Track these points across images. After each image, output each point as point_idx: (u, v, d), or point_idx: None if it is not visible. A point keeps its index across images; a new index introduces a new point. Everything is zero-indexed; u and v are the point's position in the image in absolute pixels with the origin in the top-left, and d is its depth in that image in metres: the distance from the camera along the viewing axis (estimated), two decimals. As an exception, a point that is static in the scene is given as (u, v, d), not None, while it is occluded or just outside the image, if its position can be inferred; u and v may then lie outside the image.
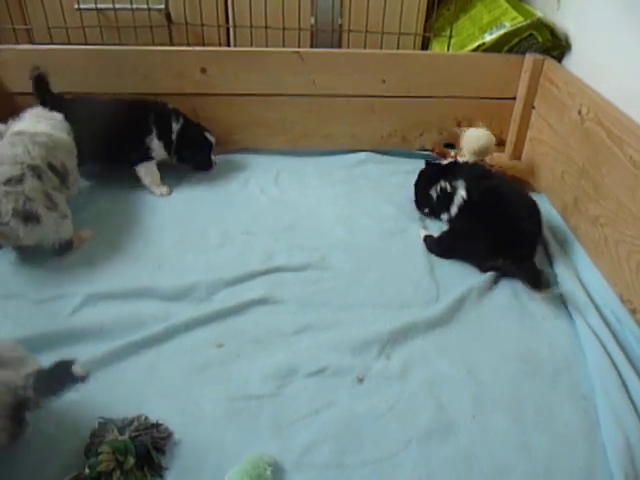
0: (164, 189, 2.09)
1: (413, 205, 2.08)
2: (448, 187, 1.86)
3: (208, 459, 1.17)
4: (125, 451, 1.09)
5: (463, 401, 1.32)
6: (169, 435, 1.19)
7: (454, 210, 1.84)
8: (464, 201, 1.80)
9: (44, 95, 1.96)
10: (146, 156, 2.07)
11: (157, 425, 1.19)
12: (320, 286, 1.68)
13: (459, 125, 2.29)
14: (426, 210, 2.02)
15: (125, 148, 2.05)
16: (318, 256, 1.78)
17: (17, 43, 2.24)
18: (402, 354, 1.45)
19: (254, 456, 1.12)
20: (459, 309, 1.60)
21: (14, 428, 1.07)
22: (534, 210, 1.76)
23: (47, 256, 1.74)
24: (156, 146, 2.06)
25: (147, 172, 2.08)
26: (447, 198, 1.86)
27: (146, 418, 1.21)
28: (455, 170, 1.90)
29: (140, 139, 2.04)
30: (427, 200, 1.98)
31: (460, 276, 1.73)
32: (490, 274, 1.71)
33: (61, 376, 1.14)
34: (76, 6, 2.23)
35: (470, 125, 2.20)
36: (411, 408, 1.30)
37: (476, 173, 1.87)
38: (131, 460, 1.09)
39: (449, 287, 1.68)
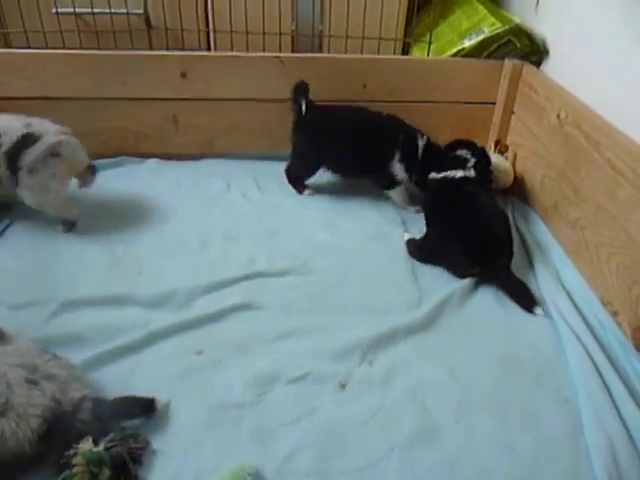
0: (417, 207, 2.10)
1: (395, 209, 2.08)
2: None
3: (187, 469, 1.14)
4: (100, 463, 1.05)
5: (446, 405, 1.31)
6: (146, 445, 1.16)
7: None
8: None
9: (302, 102, 2.05)
10: (394, 182, 2.08)
11: (134, 435, 1.16)
12: (302, 291, 1.66)
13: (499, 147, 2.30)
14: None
15: (370, 172, 2.13)
16: (300, 261, 1.77)
17: (-7, 47, 2.20)
18: (385, 360, 1.43)
19: (234, 465, 1.10)
20: (441, 313, 1.59)
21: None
22: (505, 219, 1.81)
23: (23, 261, 1.70)
24: (398, 170, 2.04)
25: (397, 193, 2.11)
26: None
27: (123, 428, 1.17)
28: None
29: (383, 165, 2.04)
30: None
31: (443, 280, 1.73)
32: (472, 280, 1.71)
33: (127, 409, 1.18)
34: (54, 10, 2.19)
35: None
36: (394, 414, 1.29)
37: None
38: (106, 472, 1.05)
39: (432, 291, 1.67)
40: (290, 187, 2.20)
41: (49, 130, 1.72)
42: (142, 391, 1.30)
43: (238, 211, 2.04)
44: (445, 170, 1.86)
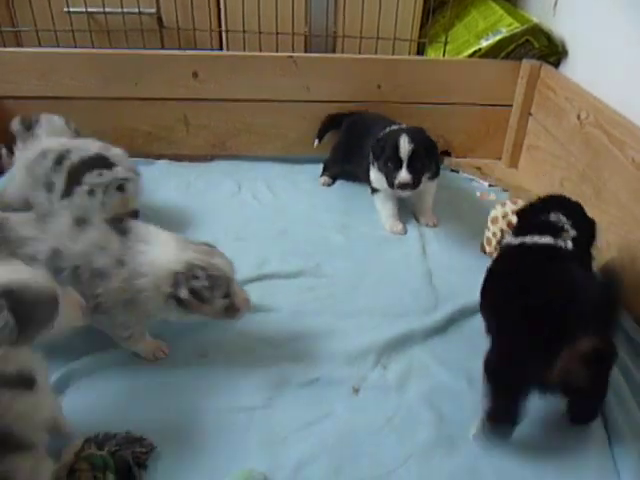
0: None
1: (409, 212, 2.03)
2: None
3: (193, 475, 1.10)
4: (104, 467, 1.01)
5: (464, 413, 1.25)
6: (152, 449, 1.12)
7: None
8: None
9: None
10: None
11: (140, 439, 1.12)
12: (314, 293, 1.61)
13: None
14: None
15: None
16: (313, 263, 1.72)
17: (5, 46, 2.19)
18: (400, 364, 1.38)
19: (243, 472, 1.05)
20: (459, 318, 1.54)
21: None
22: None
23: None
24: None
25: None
26: None
27: (128, 432, 1.13)
28: None
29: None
30: None
31: (460, 285, 1.66)
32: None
33: None
34: (65, 9, 2.19)
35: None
36: (410, 421, 1.23)
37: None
38: (110, 477, 1.01)
39: (449, 296, 1.62)
40: (301, 189, 2.16)
41: (123, 162, 1.71)
42: (148, 396, 1.27)
43: (249, 213, 2.01)
44: (527, 234, 1.31)
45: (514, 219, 1.51)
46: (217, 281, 1.21)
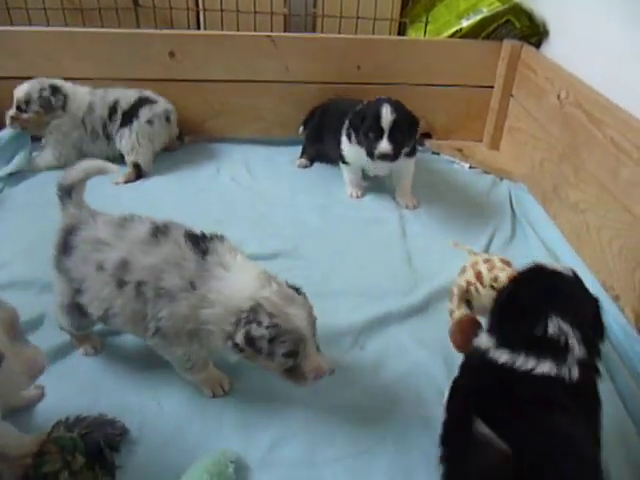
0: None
1: (390, 194, 2.02)
2: None
3: (167, 457, 1.09)
4: (73, 449, 0.99)
5: (441, 392, 1.24)
6: (125, 432, 1.10)
7: None
8: None
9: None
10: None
11: (112, 422, 1.10)
12: (292, 275, 1.55)
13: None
14: None
15: None
16: (291, 245, 1.71)
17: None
18: (377, 344, 1.38)
19: (216, 452, 1.04)
20: (436, 299, 1.53)
21: None
22: None
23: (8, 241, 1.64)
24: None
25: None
26: None
27: (100, 415, 1.11)
28: None
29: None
30: None
31: (439, 266, 1.66)
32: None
33: None
34: (37, -14, 2.12)
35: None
36: (387, 400, 1.23)
37: None
38: (80, 459, 0.99)
39: (427, 277, 1.61)
40: (281, 172, 2.13)
41: (159, 98, 2.07)
42: (122, 377, 1.26)
43: (228, 195, 1.98)
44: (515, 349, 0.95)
45: (484, 268, 1.29)
46: (282, 335, 1.01)
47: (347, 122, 1.88)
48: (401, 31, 2.40)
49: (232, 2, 2.18)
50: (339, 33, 2.24)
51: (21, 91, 1.96)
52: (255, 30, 2.22)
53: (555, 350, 0.92)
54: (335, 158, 2.02)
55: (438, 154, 2.30)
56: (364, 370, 1.29)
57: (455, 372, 1.16)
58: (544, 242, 1.76)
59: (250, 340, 1.01)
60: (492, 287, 1.25)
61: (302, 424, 1.15)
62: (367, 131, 1.76)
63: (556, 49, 2.01)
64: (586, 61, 1.79)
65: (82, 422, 1.07)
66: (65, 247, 1.17)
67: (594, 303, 1.01)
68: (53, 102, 1.96)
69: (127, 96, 2.03)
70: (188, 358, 1.14)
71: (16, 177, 2.00)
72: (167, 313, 1.07)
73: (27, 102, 1.95)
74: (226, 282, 1.06)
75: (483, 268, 1.29)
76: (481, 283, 1.28)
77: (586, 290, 1.02)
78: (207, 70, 2.14)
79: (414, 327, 1.43)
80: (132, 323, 1.13)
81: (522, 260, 1.65)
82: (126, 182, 2.00)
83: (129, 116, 2.01)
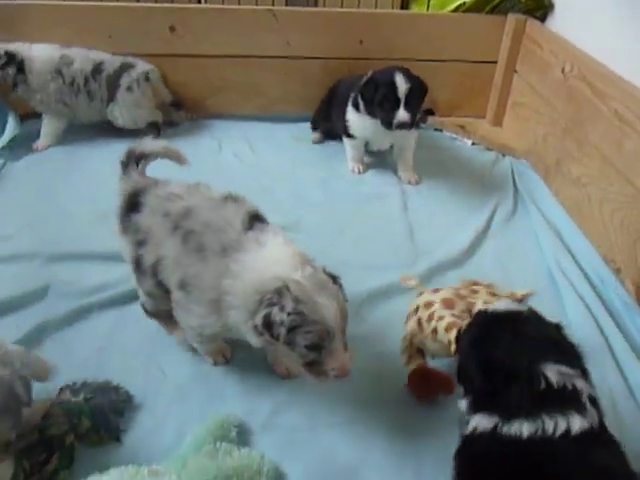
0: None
1: (392, 169, 2.02)
2: None
3: (169, 422, 1.11)
4: (79, 413, 1.01)
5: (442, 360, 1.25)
6: (129, 398, 1.12)
7: None
8: None
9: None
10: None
11: (116, 388, 1.12)
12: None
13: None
14: None
15: None
16: (293, 218, 1.71)
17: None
18: (379, 315, 1.38)
19: (219, 416, 1.05)
20: (438, 271, 1.55)
21: None
22: None
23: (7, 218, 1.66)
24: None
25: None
26: None
27: (105, 381, 1.12)
28: None
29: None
30: None
31: (441, 239, 1.67)
32: (471, 237, 1.66)
33: None
34: (35, -42, 2.09)
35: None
36: (388, 370, 1.24)
37: None
38: (86, 422, 1.01)
39: (429, 250, 1.62)
40: (283, 148, 2.13)
41: (138, 61, 2.06)
42: (126, 346, 1.27)
43: (230, 171, 1.98)
44: (534, 416, 0.81)
45: (424, 315, 1.16)
46: (306, 324, 0.93)
47: (355, 93, 1.86)
48: (404, 5, 2.37)
49: (233, -25, 2.15)
50: (341, 7, 2.22)
51: None
52: (256, 4, 2.19)
53: (570, 399, 0.81)
54: (341, 133, 2.01)
55: (441, 131, 2.29)
56: (366, 339, 1.30)
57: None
58: (546, 217, 1.76)
59: (268, 324, 0.94)
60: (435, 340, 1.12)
61: (303, 391, 1.17)
62: (382, 100, 1.75)
63: (561, 22, 1.99)
64: (591, 34, 1.77)
65: (87, 388, 1.08)
66: (133, 206, 1.16)
67: (560, 330, 0.92)
68: (10, 73, 1.94)
69: (112, 61, 2.04)
70: (201, 332, 1.10)
71: (17, 153, 2.00)
72: (195, 270, 1.04)
73: None
74: (255, 257, 1.01)
75: (423, 315, 1.17)
76: (424, 334, 1.15)
77: (546, 320, 0.93)
78: (208, 45, 2.12)
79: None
80: (170, 271, 1.10)
81: (525, 237, 1.69)
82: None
83: (113, 86, 2.02)
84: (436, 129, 2.30)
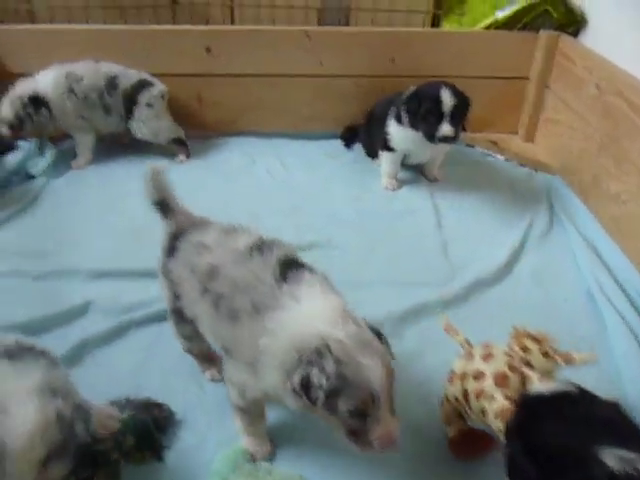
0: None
1: (424, 186, 2.02)
2: None
3: (210, 440, 1.12)
4: (124, 430, 1.02)
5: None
6: (171, 415, 1.13)
7: None
8: None
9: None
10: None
11: (159, 405, 1.13)
12: (327, 265, 1.57)
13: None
14: None
15: None
16: (325, 235, 1.72)
17: (19, 23, 2.19)
18: (416, 334, 1.38)
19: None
20: (475, 290, 1.53)
21: None
22: None
23: (49, 234, 1.72)
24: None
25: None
26: None
27: (147, 398, 1.14)
28: None
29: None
30: None
31: (476, 257, 1.66)
32: (507, 254, 1.65)
33: None
34: (78, -15, 2.18)
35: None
36: (426, 390, 1.23)
37: None
38: (130, 440, 1.02)
39: (464, 267, 1.61)
40: (315, 165, 2.15)
41: (154, 78, 2.10)
42: (165, 363, 1.29)
43: (263, 187, 2.00)
44: None
45: (471, 388, 1.02)
46: (347, 389, 0.84)
47: (396, 107, 1.89)
48: (435, 23, 2.38)
49: (267, -3, 2.20)
50: (373, 26, 2.25)
51: (8, 114, 1.96)
52: (289, 24, 2.23)
53: None
54: (379, 149, 2.02)
55: (472, 147, 2.29)
56: (403, 359, 1.29)
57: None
58: (583, 234, 1.74)
59: (306, 387, 0.85)
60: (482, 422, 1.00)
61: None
62: (426, 114, 1.77)
63: (594, 38, 1.98)
64: (625, 49, 1.75)
65: (130, 404, 1.10)
66: (170, 250, 1.13)
67: (617, 409, 0.83)
68: (44, 119, 1.99)
69: (126, 74, 2.05)
70: (243, 391, 1.01)
71: (58, 171, 2.06)
72: (231, 336, 0.99)
73: (21, 122, 1.98)
74: (291, 312, 0.93)
75: (471, 387, 1.02)
76: (470, 408, 1.03)
77: (600, 399, 0.85)
78: (242, 65, 2.16)
79: (453, 318, 1.40)
80: (211, 334, 1.07)
81: (562, 254, 1.67)
82: (187, 157, 2.15)
83: (130, 102, 2.04)
84: (468, 145, 2.30)
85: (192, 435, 1.13)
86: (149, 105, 2.06)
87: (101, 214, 1.83)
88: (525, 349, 1.09)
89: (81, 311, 1.43)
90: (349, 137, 2.25)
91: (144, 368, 1.28)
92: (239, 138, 2.29)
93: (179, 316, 1.14)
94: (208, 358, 1.25)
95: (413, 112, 1.82)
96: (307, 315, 0.92)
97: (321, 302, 0.95)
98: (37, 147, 2.09)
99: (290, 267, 1.00)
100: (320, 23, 2.33)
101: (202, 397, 1.21)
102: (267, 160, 2.16)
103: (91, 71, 2.02)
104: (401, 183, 2.04)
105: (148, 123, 2.08)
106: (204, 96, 2.22)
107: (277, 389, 0.92)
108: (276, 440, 1.11)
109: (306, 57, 2.16)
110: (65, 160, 2.11)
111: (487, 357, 1.06)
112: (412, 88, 1.87)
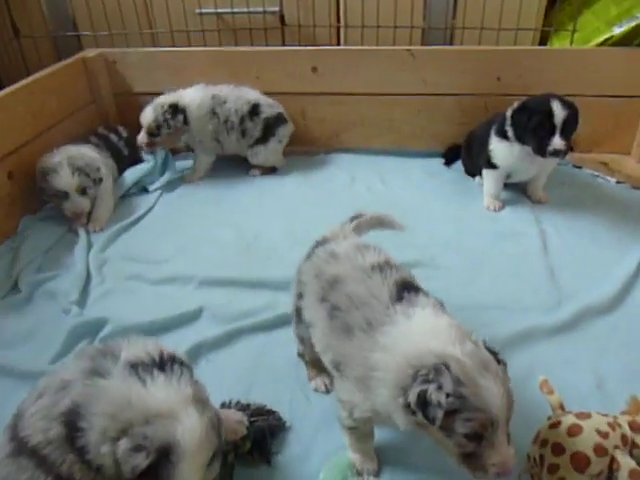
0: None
1: (528, 207, 1.97)
2: None
3: (317, 449, 1.15)
4: (244, 435, 1.08)
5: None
6: (283, 423, 1.18)
7: None
8: None
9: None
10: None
11: (273, 412, 1.18)
12: (430, 285, 1.58)
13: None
14: None
15: None
16: (428, 254, 1.72)
17: (143, 46, 2.39)
18: (522, 361, 1.34)
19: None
20: (584, 317, 1.47)
21: None
22: None
23: (162, 243, 1.84)
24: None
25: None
26: None
27: (261, 403, 1.20)
28: None
29: None
30: None
31: (584, 283, 1.59)
32: (620, 282, 1.57)
33: None
34: (197, 10, 2.34)
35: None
36: (535, 419, 1.19)
37: None
38: (247, 444, 1.08)
39: (573, 293, 1.55)
40: (415, 183, 2.16)
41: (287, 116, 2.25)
42: (273, 370, 1.34)
43: (363, 204, 2.01)
44: None
45: (549, 459, 0.94)
46: (465, 410, 0.82)
47: (499, 122, 1.88)
48: (542, 41, 2.32)
49: (373, 18, 2.25)
50: (479, 44, 2.23)
51: (149, 117, 2.10)
52: (394, 44, 2.27)
53: None
54: (482, 167, 2.00)
55: (580, 168, 2.20)
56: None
57: (608, 398, 1.10)
58: None
59: (423, 403, 0.83)
60: None
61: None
62: (536, 127, 1.74)
63: None
64: None
65: (249, 409, 1.15)
66: (309, 254, 1.20)
67: None
68: (179, 125, 2.11)
69: (267, 104, 2.18)
70: (351, 410, 1.00)
71: (172, 185, 2.22)
72: (343, 350, 1.00)
73: (158, 127, 2.11)
74: (405, 329, 0.93)
75: (548, 458, 0.93)
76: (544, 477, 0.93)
77: None
78: (347, 84, 2.23)
79: (561, 346, 1.38)
80: (320, 347, 1.10)
81: None
82: (262, 174, 2.26)
83: (269, 131, 2.18)
84: (575, 166, 2.21)
85: (298, 444, 1.17)
86: (280, 141, 2.22)
87: (211, 226, 1.94)
88: (637, 427, 0.96)
89: (194, 316, 1.52)
90: (451, 156, 2.25)
91: (253, 375, 1.34)
92: (341, 154, 2.36)
93: (298, 315, 1.19)
94: (317, 367, 1.28)
95: (521, 125, 1.78)
96: (422, 332, 0.91)
97: (435, 321, 0.95)
98: (162, 162, 2.25)
99: (406, 289, 1.02)
100: (424, 42, 2.34)
101: (308, 407, 1.25)
102: (367, 176, 2.20)
103: (234, 95, 2.15)
104: (504, 204, 2.00)
105: (269, 153, 2.21)
106: (308, 113, 2.30)
107: (388, 406, 0.91)
108: (382, 456, 1.12)
109: (410, 76, 2.18)
110: (179, 173, 2.27)
111: (574, 430, 0.96)
112: (516, 104, 1.84)
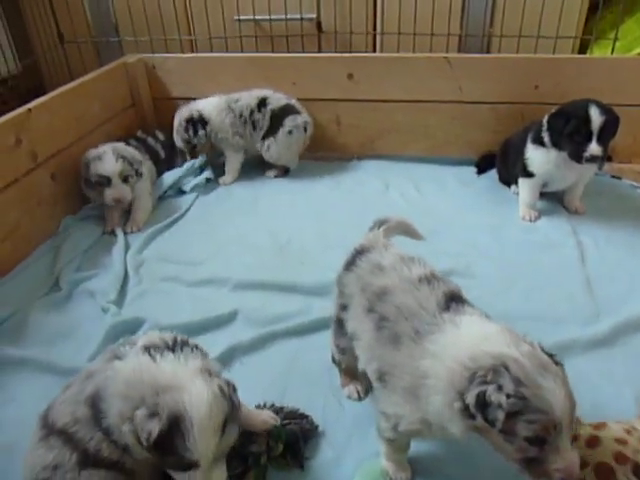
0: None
1: (565, 217, 1.94)
2: None
3: (349, 455, 1.15)
4: (277, 437, 1.09)
5: (633, 432, 1.16)
6: (315, 427, 1.19)
7: None
8: None
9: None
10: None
11: (306, 416, 1.19)
12: (466, 294, 1.59)
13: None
14: None
15: None
16: (463, 263, 1.71)
17: (182, 52, 2.44)
18: (559, 373, 1.32)
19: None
20: (624, 331, 1.44)
21: None
22: None
23: (198, 245, 1.88)
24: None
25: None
26: None
27: (294, 407, 1.21)
28: None
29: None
30: None
31: (623, 296, 1.56)
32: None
33: None
34: (236, 17, 2.38)
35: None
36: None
37: None
38: (280, 447, 1.09)
39: (611, 306, 1.52)
40: (448, 190, 2.15)
41: (302, 109, 2.26)
42: (306, 374, 1.35)
43: (397, 210, 2.02)
44: None
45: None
46: (527, 412, 0.79)
47: (536, 129, 1.86)
48: (582, 49, 2.29)
49: (410, 25, 2.25)
50: (517, 52, 2.21)
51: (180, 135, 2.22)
52: (430, 51, 2.27)
53: None
54: (518, 176, 1.98)
55: (619, 178, 2.16)
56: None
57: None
58: None
59: (483, 405, 0.80)
60: None
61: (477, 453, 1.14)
62: (573, 132, 1.72)
63: None
64: None
65: (280, 412, 1.16)
66: (349, 264, 1.18)
67: None
68: (201, 135, 2.21)
69: (276, 97, 2.22)
70: (396, 423, 0.98)
71: (207, 188, 2.25)
72: (389, 359, 0.99)
73: (188, 142, 2.22)
74: (454, 335, 0.92)
75: None
76: None
77: None
78: (382, 90, 2.23)
79: (599, 360, 1.36)
80: (365, 358, 1.09)
81: None
82: (276, 176, 2.31)
83: (277, 122, 2.20)
84: (613, 176, 2.17)
85: (330, 449, 1.17)
86: (290, 133, 2.20)
87: (245, 229, 1.97)
88: None
89: (229, 318, 1.55)
90: (484, 165, 2.23)
91: (286, 379, 1.35)
92: (374, 161, 2.36)
93: (340, 326, 1.19)
94: (350, 374, 1.29)
95: (558, 131, 1.76)
96: (473, 337, 0.90)
97: (485, 326, 0.94)
98: (200, 165, 2.30)
99: (453, 300, 1.02)
100: (461, 50, 2.34)
101: (341, 413, 1.25)
102: (401, 183, 2.20)
103: (246, 94, 2.23)
104: (540, 213, 1.97)
105: (280, 148, 2.22)
106: (343, 119, 2.31)
107: (441, 414, 0.89)
108: (415, 465, 1.12)
109: (446, 83, 2.18)
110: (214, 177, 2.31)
111: (592, 442, 0.93)
112: (553, 110, 1.82)
